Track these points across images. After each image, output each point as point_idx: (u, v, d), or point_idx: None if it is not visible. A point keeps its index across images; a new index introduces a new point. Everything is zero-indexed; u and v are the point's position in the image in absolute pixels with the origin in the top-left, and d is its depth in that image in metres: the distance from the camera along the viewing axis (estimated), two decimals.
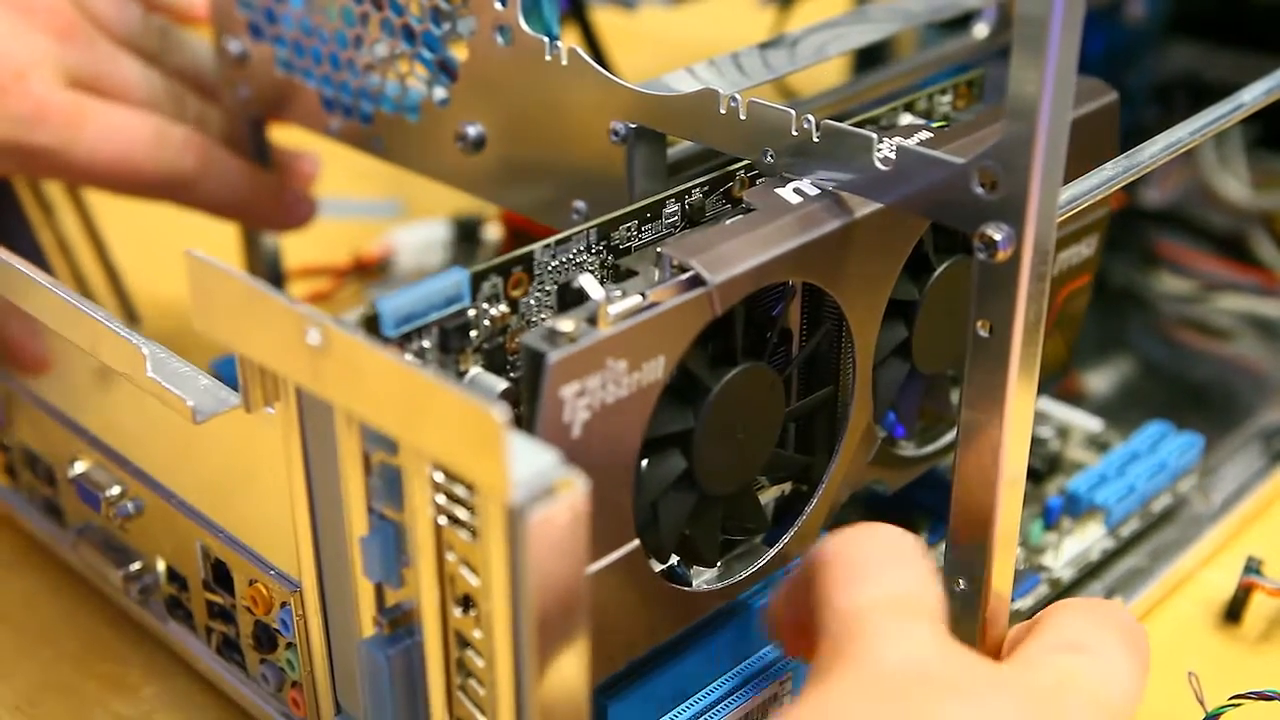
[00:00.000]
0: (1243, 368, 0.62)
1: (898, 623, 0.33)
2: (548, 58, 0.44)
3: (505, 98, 0.46)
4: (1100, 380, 0.61)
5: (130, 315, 0.63)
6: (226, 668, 0.44)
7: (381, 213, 0.74)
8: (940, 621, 0.34)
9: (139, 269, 0.65)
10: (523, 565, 0.30)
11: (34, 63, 0.50)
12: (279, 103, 0.53)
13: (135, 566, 0.46)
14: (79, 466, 0.46)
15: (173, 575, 0.45)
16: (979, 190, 0.35)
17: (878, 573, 0.35)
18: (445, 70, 0.47)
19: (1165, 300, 0.66)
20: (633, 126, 0.43)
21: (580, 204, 0.45)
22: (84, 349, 0.40)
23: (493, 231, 0.68)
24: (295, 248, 0.64)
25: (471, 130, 0.47)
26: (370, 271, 0.69)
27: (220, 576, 0.43)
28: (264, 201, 0.55)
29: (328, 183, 0.74)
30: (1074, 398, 0.58)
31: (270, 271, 0.60)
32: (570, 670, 0.32)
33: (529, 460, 0.30)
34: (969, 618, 0.39)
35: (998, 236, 0.35)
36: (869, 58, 0.66)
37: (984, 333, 0.36)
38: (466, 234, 0.70)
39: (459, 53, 0.46)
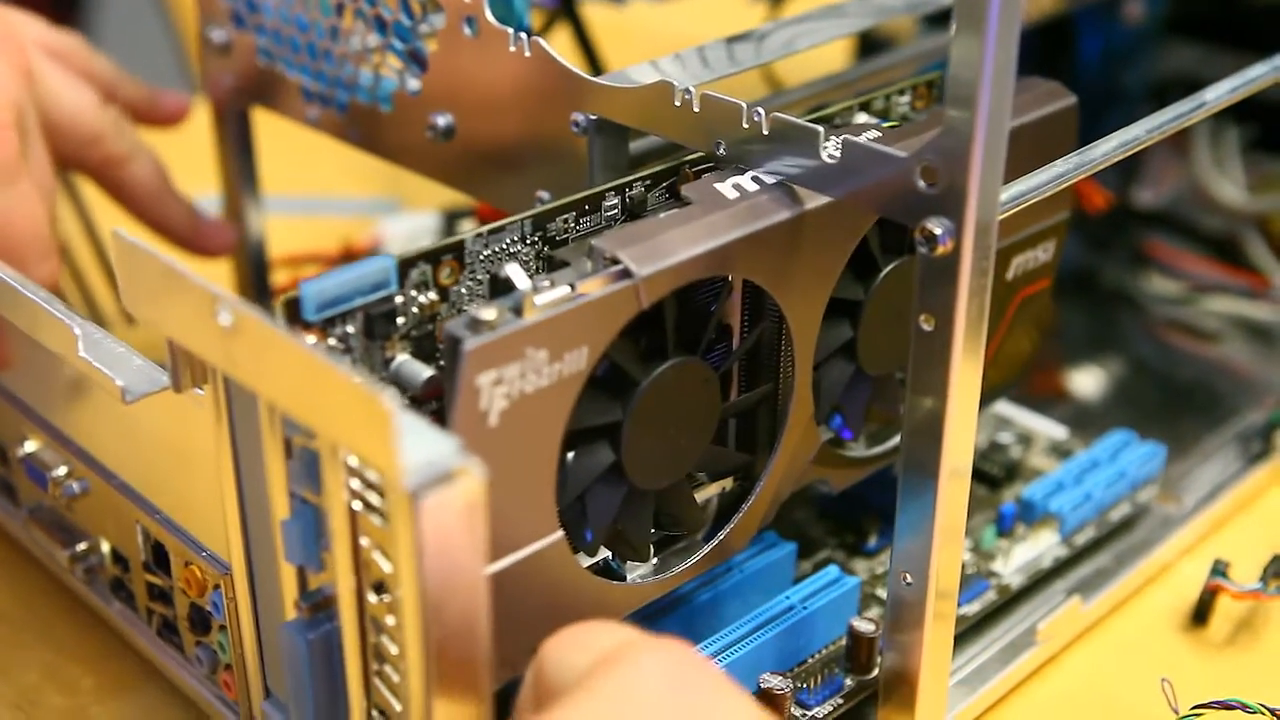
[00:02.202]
0: (1229, 370, 0.62)
1: (668, 648, 0.33)
2: (511, 49, 0.44)
3: (473, 89, 0.46)
4: (1086, 380, 0.61)
5: (130, 314, 0.63)
6: (166, 650, 0.45)
7: (376, 211, 0.74)
8: (711, 665, 0.34)
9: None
10: (417, 552, 0.30)
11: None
12: (261, 92, 0.53)
13: (81, 547, 0.46)
14: (28, 446, 0.46)
15: (116, 556, 0.45)
16: (920, 184, 0.35)
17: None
18: (416, 61, 0.47)
19: (1154, 301, 0.66)
20: (593, 118, 0.43)
21: (544, 194, 0.45)
22: (21, 328, 0.40)
23: (467, 226, 0.68)
24: (285, 237, 0.64)
25: (441, 120, 0.47)
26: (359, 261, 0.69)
27: (160, 558, 0.43)
28: (180, 207, 0.57)
29: (323, 180, 0.74)
30: (1057, 396, 0.58)
31: (254, 259, 0.60)
32: (472, 661, 0.32)
33: (425, 446, 0.29)
34: (915, 612, 0.39)
35: (938, 230, 0.35)
36: (871, 50, 0.66)
37: (927, 327, 0.36)
38: (456, 225, 0.69)
39: (431, 44, 0.46)
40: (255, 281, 0.60)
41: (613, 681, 0.31)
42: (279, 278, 0.65)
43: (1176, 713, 0.42)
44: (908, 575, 0.39)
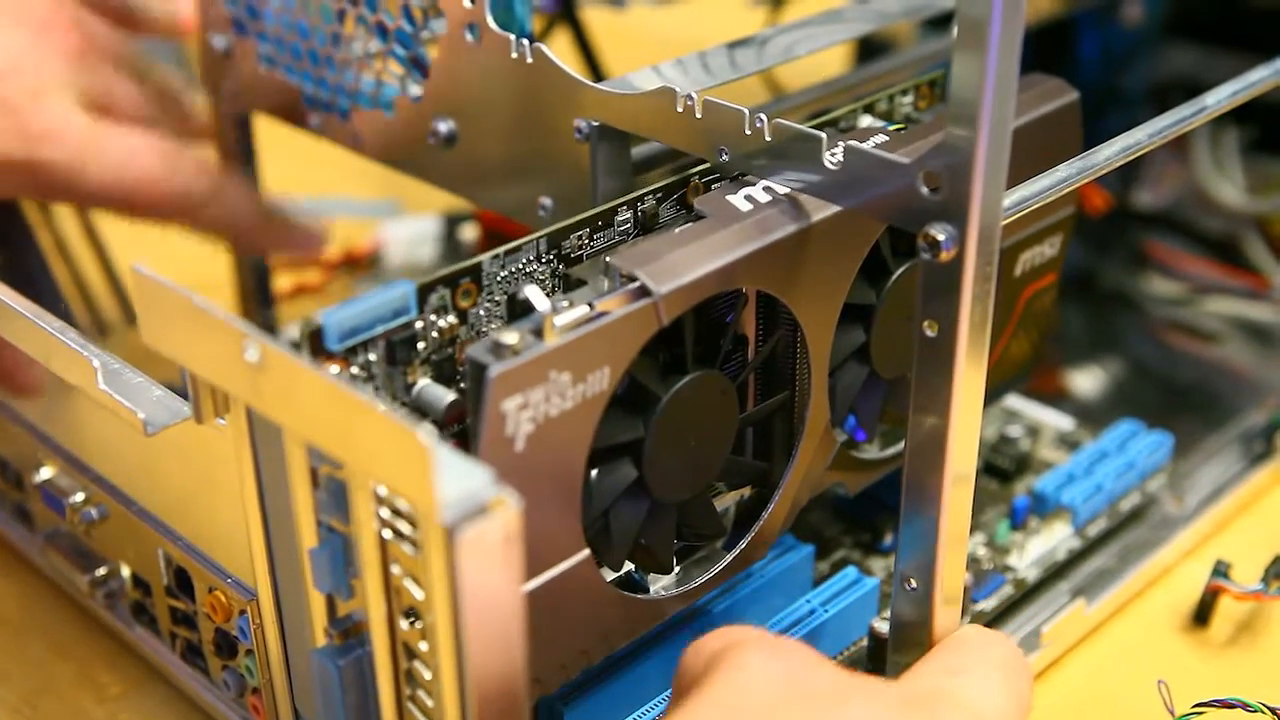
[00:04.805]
0: (1229, 370, 0.62)
1: (767, 646, 0.34)
2: (514, 55, 0.44)
3: (475, 95, 0.46)
4: (1087, 381, 0.61)
5: (131, 317, 0.63)
6: (190, 673, 0.45)
7: (378, 213, 0.74)
8: (815, 654, 0.35)
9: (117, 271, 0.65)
10: (455, 584, 0.30)
11: (50, 83, 0.50)
12: (263, 98, 0.53)
13: (101, 572, 0.46)
14: (45, 472, 0.46)
15: (137, 581, 0.45)
16: (923, 191, 0.35)
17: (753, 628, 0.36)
18: (418, 67, 0.47)
19: (1155, 302, 0.66)
20: (595, 124, 0.43)
21: (547, 201, 0.45)
22: (38, 360, 0.40)
23: (469, 232, 0.68)
24: None
25: (443, 127, 0.47)
26: (360, 265, 0.69)
27: (182, 583, 0.43)
28: (273, 228, 0.56)
29: (324, 181, 0.74)
30: (1059, 398, 0.58)
31: (256, 265, 0.60)
32: (510, 687, 0.32)
33: (460, 479, 0.30)
34: (920, 617, 0.39)
35: (941, 237, 0.35)
36: (870, 55, 0.66)
37: (930, 333, 0.36)
38: (457, 230, 0.70)
39: (433, 50, 0.46)
40: (257, 288, 0.60)
41: (721, 682, 0.33)
42: (280, 283, 0.65)
43: (1173, 714, 0.42)
44: (912, 580, 0.39)
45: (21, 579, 0.51)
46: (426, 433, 0.28)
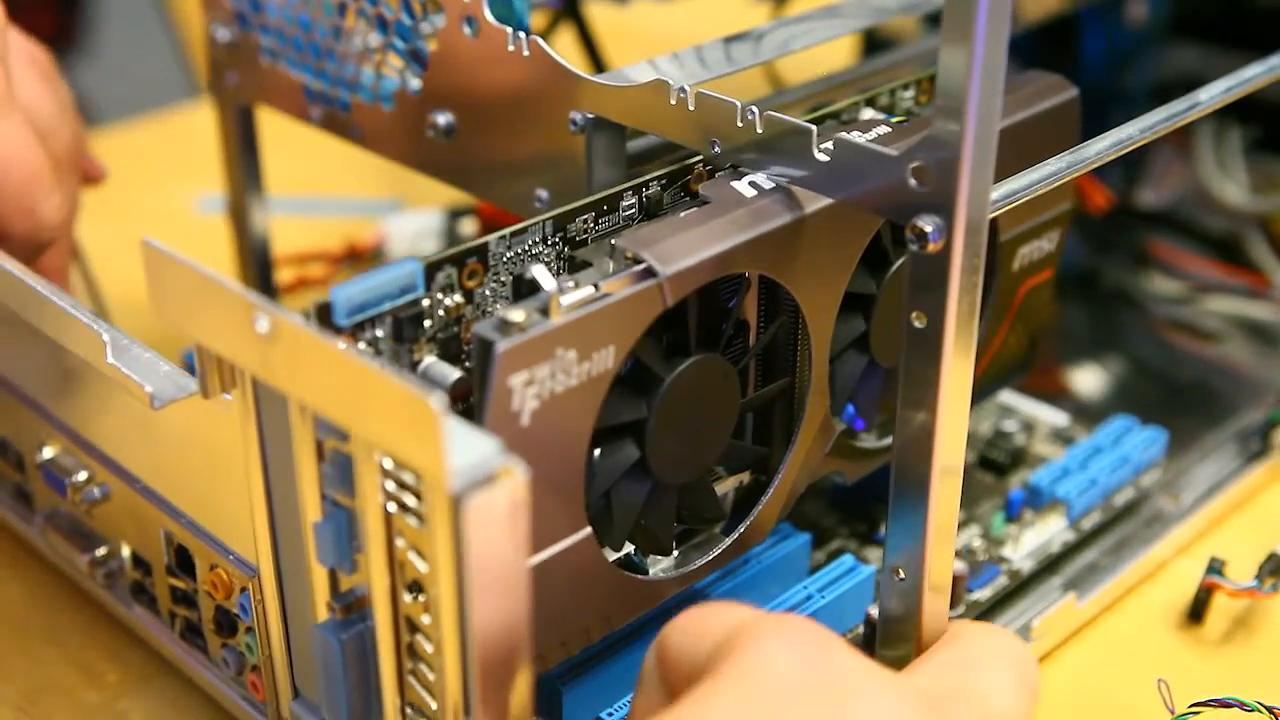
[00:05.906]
0: (1229, 369, 0.62)
1: (784, 630, 0.33)
2: (510, 48, 0.44)
3: (472, 87, 0.46)
4: (1088, 379, 0.61)
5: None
6: (189, 652, 0.45)
7: (380, 212, 0.74)
8: (828, 632, 0.34)
9: (118, 269, 0.65)
10: (461, 553, 0.30)
11: None
12: (265, 91, 0.54)
13: (101, 552, 0.46)
14: (47, 452, 0.47)
15: (137, 560, 0.46)
16: (911, 183, 0.35)
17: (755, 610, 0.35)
18: (417, 60, 0.47)
19: (1156, 301, 0.66)
20: (590, 117, 0.43)
21: (543, 193, 0.46)
22: (47, 335, 0.41)
23: (468, 226, 0.68)
24: (289, 237, 0.64)
25: (441, 119, 0.47)
26: (363, 259, 0.69)
27: (183, 562, 0.43)
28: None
29: (327, 180, 0.74)
30: (1059, 395, 0.59)
31: (258, 258, 0.60)
32: (514, 657, 0.32)
33: (468, 448, 0.30)
34: (909, 608, 0.39)
35: (928, 228, 0.35)
36: (875, 49, 0.67)
37: (919, 324, 0.36)
38: (458, 224, 0.70)
39: (432, 43, 0.47)
40: (260, 281, 0.60)
41: (740, 669, 0.32)
42: (283, 276, 0.65)
43: (1173, 713, 0.43)
44: (901, 571, 0.39)
45: (24, 574, 0.51)
46: (437, 399, 0.29)
